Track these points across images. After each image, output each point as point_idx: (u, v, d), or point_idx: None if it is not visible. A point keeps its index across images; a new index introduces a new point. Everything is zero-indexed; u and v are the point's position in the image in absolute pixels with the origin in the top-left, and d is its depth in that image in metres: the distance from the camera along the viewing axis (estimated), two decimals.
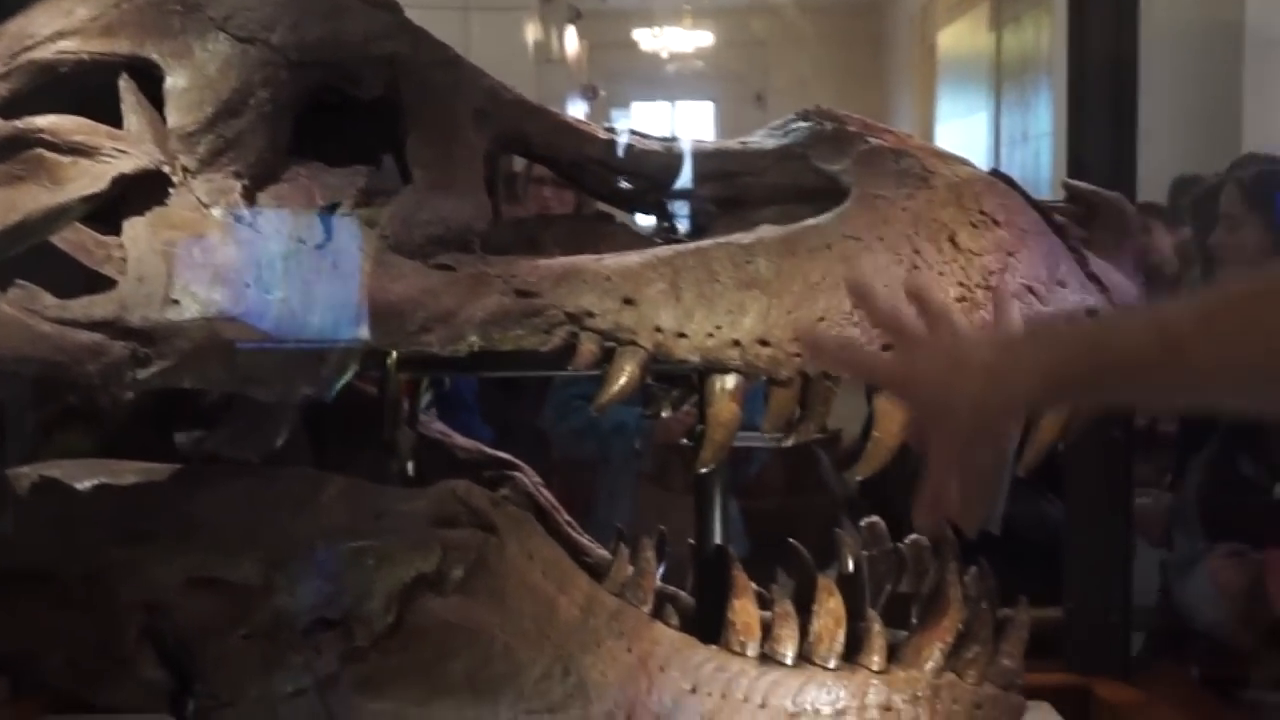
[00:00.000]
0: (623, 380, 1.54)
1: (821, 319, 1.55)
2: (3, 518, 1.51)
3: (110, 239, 1.49)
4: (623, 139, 1.76)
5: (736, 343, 1.54)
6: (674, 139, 1.78)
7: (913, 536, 1.88)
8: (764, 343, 1.54)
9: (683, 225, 1.80)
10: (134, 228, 1.44)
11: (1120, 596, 2.45)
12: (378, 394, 1.63)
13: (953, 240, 1.60)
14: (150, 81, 1.54)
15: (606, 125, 1.77)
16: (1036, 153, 8.09)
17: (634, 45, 13.87)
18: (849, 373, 1.51)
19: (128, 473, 1.58)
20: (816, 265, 1.57)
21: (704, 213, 1.77)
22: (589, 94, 12.14)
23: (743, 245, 1.59)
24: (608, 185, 1.78)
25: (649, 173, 1.76)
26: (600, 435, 3.22)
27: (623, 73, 14.27)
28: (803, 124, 1.75)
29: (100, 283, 1.46)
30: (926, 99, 11.12)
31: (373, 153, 1.71)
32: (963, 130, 9.93)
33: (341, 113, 1.69)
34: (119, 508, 1.53)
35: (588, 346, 1.55)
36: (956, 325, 1.35)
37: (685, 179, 1.75)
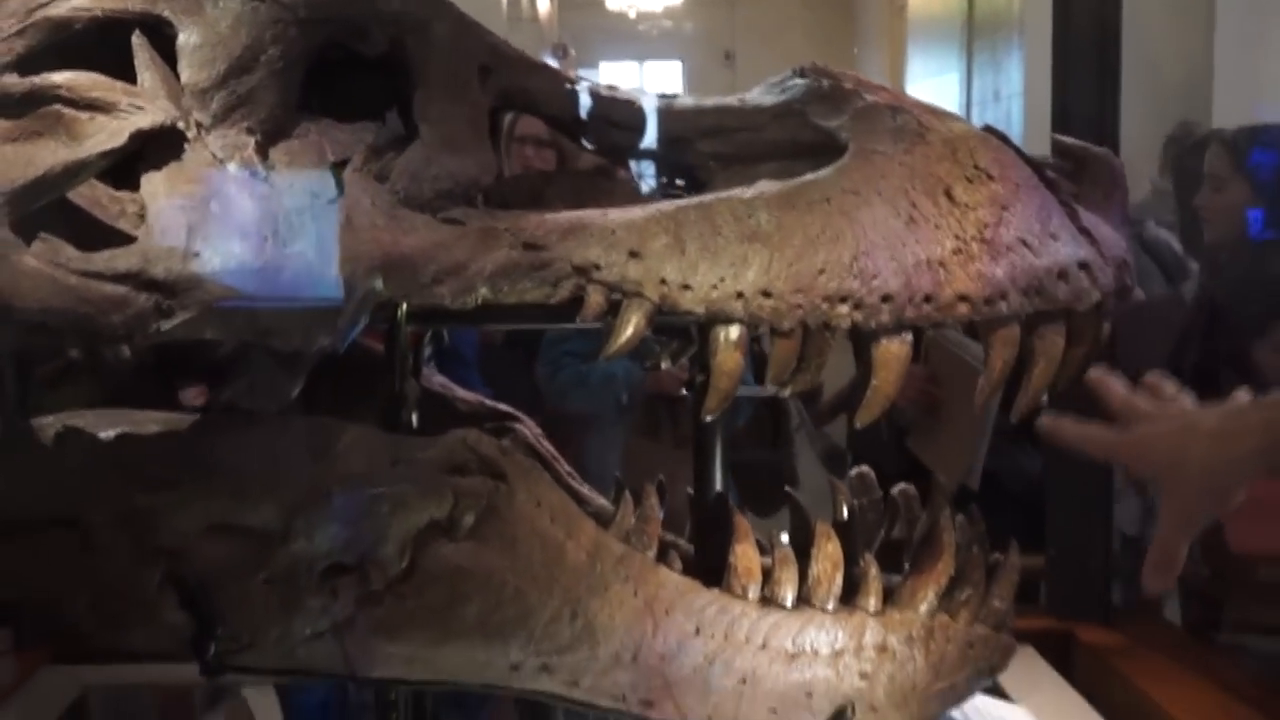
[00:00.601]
0: (629, 331, 1.58)
1: (822, 271, 1.58)
2: (21, 465, 1.54)
3: (123, 194, 1.52)
4: (624, 95, 1.79)
5: (740, 294, 1.58)
6: (674, 95, 1.81)
7: (901, 485, 1.93)
8: (766, 294, 1.58)
9: (683, 181, 1.84)
10: (152, 182, 1.46)
11: (1101, 544, 2.52)
12: (386, 346, 1.66)
13: (948, 194, 1.63)
14: (162, 39, 1.56)
15: (609, 85, 1.80)
16: (1008, 112, 8.13)
17: (601, 5, 13.84)
18: (1089, 449, 1.59)
19: (150, 422, 1.61)
20: (816, 219, 1.60)
21: (704, 168, 1.80)
22: (560, 53, 12.11)
23: (744, 200, 1.62)
24: (609, 141, 1.81)
25: (649, 129, 1.79)
26: (589, 389, 3.26)
27: (591, 32, 14.25)
28: (799, 81, 1.78)
29: (114, 238, 1.48)
30: (897, 58, 11.13)
31: (377, 110, 1.74)
32: (934, 90, 9.96)
33: (344, 70, 1.72)
34: (142, 456, 1.56)
35: (595, 299, 1.58)
36: (1184, 399, 1.50)
37: (686, 135, 1.78)
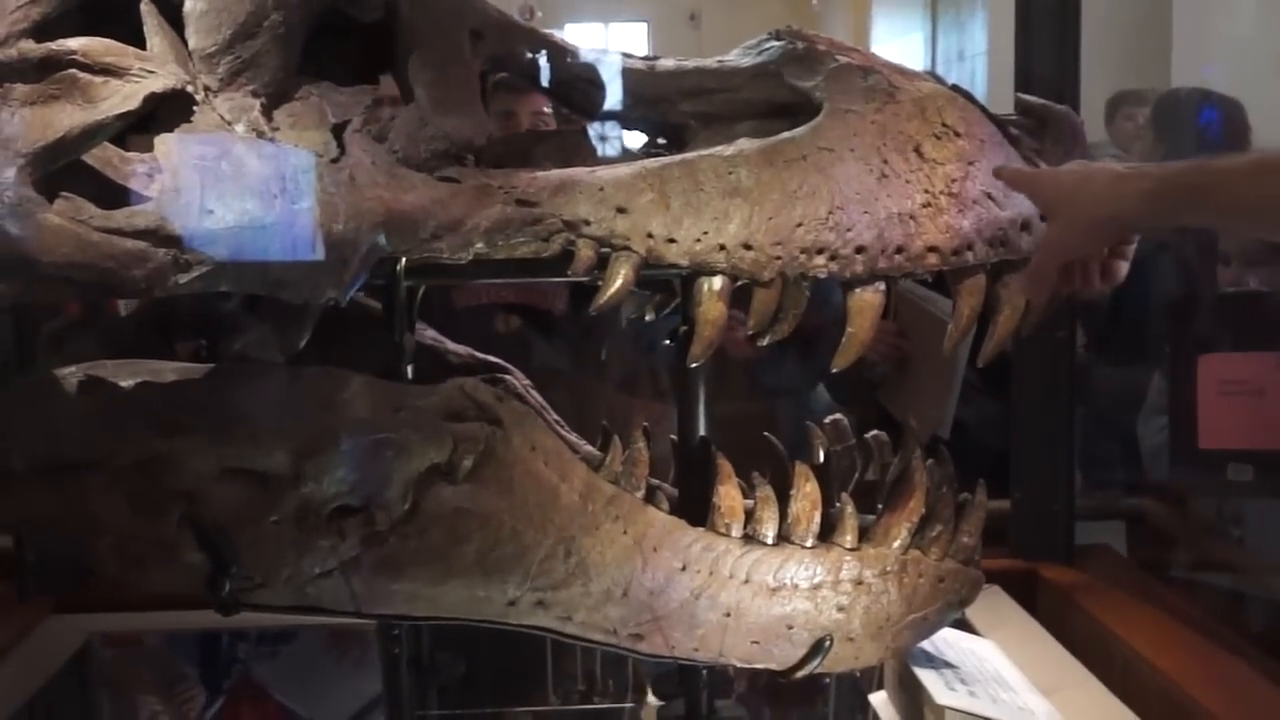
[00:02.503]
0: (618, 283, 1.66)
1: (799, 225, 1.67)
2: (47, 412, 1.61)
3: (132, 155, 1.58)
4: (608, 59, 1.86)
5: (722, 247, 1.66)
6: (656, 58, 1.88)
7: (874, 431, 2.02)
8: (747, 247, 1.66)
9: (665, 140, 1.91)
10: (165, 143, 1.52)
11: (1063, 487, 2.62)
12: (385, 300, 1.73)
13: (918, 150, 1.72)
14: (169, 7, 1.62)
15: (594, 48, 1.87)
16: (972, 72, 8.19)
17: None
18: (1015, 179, 1.73)
19: (167, 371, 1.68)
20: (794, 175, 1.69)
21: (686, 127, 1.87)
22: (525, 15, 12.08)
23: (725, 157, 1.70)
24: (594, 102, 1.88)
25: (633, 90, 1.87)
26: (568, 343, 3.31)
27: None
28: (775, 43, 1.85)
29: (127, 197, 1.54)
30: (862, 19, 11.16)
31: (371, 73, 1.81)
32: (899, 50, 10.00)
33: (339, 36, 1.78)
34: (160, 403, 1.63)
35: (585, 252, 1.66)
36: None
37: (668, 95, 1.85)
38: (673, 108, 1.87)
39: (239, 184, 1.51)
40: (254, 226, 1.50)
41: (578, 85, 1.87)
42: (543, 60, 1.85)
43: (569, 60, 1.85)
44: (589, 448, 1.99)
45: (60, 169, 1.49)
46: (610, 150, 1.92)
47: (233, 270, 1.52)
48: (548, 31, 1.87)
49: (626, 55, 1.87)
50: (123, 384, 1.64)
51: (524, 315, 3.28)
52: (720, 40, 1.92)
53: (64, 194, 1.47)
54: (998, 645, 2.16)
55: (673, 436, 1.94)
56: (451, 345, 2.11)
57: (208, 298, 1.74)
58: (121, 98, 1.52)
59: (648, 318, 1.94)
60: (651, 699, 2.22)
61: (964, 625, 2.21)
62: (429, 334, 2.10)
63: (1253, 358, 2.61)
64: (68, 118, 1.50)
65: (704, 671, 1.91)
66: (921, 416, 2.64)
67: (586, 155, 1.82)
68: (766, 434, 1.98)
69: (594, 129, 1.93)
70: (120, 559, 1.64)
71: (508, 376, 2.06)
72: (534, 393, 2.07)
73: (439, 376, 1.79)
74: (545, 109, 3.21)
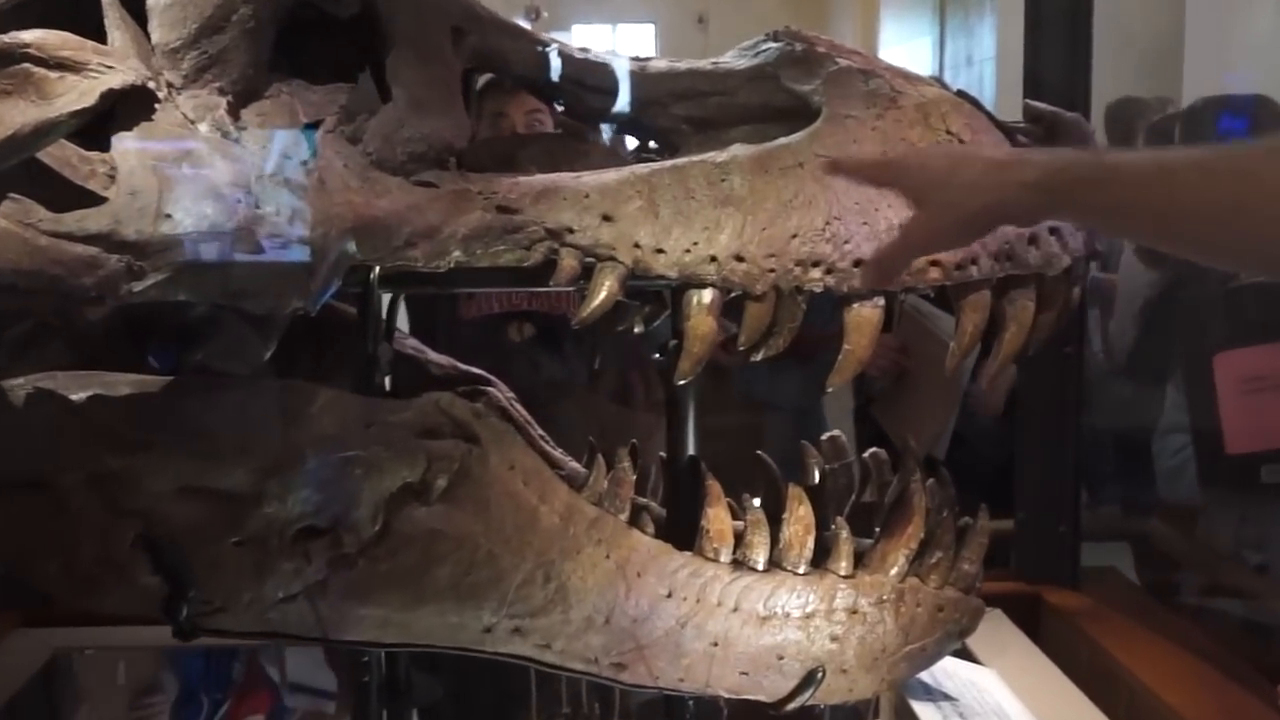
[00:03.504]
0: (602, 295, 1.58)
1: (794, 236, 1.59)
2: None
3: (93, 154, 1.50)
4: (597, 58, 1.78)
5: (713, 258, 1.58)
6: (648, 59, 1.80)
7: (873, 450, 1.94)
8: (739, 258, 1.58)
9: (656, 145, 1.83)
10: (123, 142, 1.45)
11: (1069, 508, 2.54)
12: (360, 309, 1.65)
13: None
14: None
15: (582, 47, 1.79)
16: (980, 77, 8.13)
17: None
18: (872, 172, 1.58)
19: (121, 384, 1.60)
20: (789, 183, 1.61)
21: (677, 132, 1.80)
22: (531, 15, 12.03)
23: (717, 163, 1.62)
24: (582, 103, 1.81)
25: (622, 92, 1.78)
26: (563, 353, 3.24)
27: None
28: (773, 45, 1.78)
29: (85, 199, 1.47)
30: (870, 22, 11.11)
31: (349, 72, 1.73)
32: (907, 54, 9.95)
33: (318, 32, 1.70)
34: (113, 417, 1.55)
35: (568, 262, 1.58)
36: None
37: (659, 98, 1.77)
38: (664, 111, 1.79)
39: (199, 186, 1.44)
40: (214, 232, 1.42)
41: (565, 86, 1.78)
42: (529, 59, 1.77)
43: (556, 60, 1.77)
44: (575, 465, 1.91)
45: (11, 169, 1.41)
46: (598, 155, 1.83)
47: (190, 278, 1.44)
48: (533, 29, 1.79)
49: (616, 56, 1.79)
50: (74, 397, 1.56)
51: (538, 324, 3.21)
52: (728, 42, 1.84)
53: (11, 195, 1.39)
54: (999, 674, 2.08)
55: (662, 454, 1.86)
56: (433, 355, 2.03)
57: (180, 304, 1.67)
58: (78, 94, 1.44)
59: (636, 330, 1.86)
60: None
61: (964, 652, 2.13)
62: (410, 343, 2.02)
63: (1273, 350, 2.50)
64: (20, 114, 1.41)
65: (690, 702, 1.83)
66: (918, 435, 2.57)
67: (576, 159, 1.75)
68: (759, 453, 1.90)
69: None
70: (71, 581, 1.56)
71: (490, 389, 1.98)
72: (518, 406, 1.99)
73: (420, 388, 1.71)
74: (541, 108, 3.14)
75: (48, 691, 2.39)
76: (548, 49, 1.76)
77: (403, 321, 3.14)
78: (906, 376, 3.03)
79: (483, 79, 3.18)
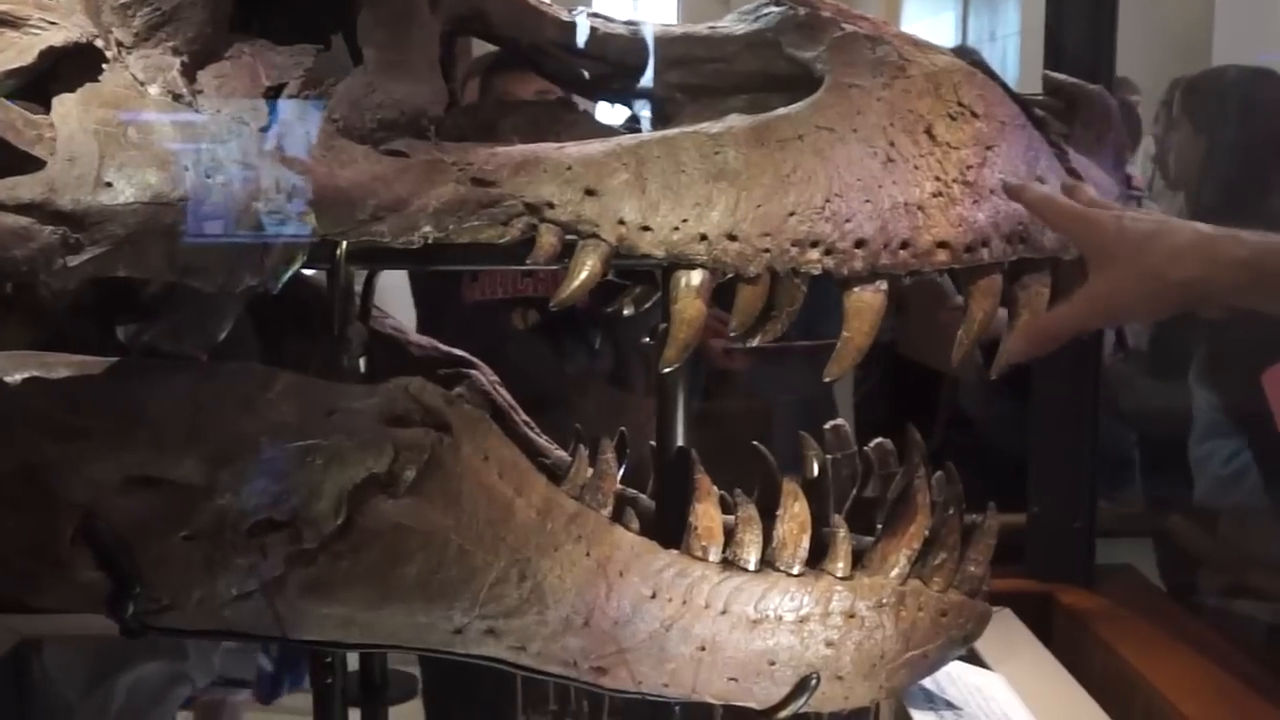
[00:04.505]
0: (583, 275, 1.48)
1: (792, 213, 1.49)
2: None
3: (41, 118, 1.40)
4: (585, 21, 1.68)
5: (703, 237, 1.48)
6: (638, 23, 1.70)
7: (877, 440, 1.85)
8: (732, 237, 1.48)
9: (647, 114, 1.74)
10: (64, 105, 1.35)
11: (1084, 504, 2.46)
12: (328, 287, 1.56)
13: (929, 132, 1.54)
14: None
15: (572, 9, 1.70)
16: (1004, 52, 8.02)
17: None
18: (1042, 208, 1.50)
19: (61, 366, 1.50)
20: (788, 157, 1.50)
21: (670, 100, 1.70)
22: None
23: (711, 135, 1.52)
24: (569, 70, 1.71)
25: (612, 57, 1.69)
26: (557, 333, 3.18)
27: None
28: (774, 9, 1.67)
29: (30, 165, 1.37)
30: None
31: (322, 32, 1.63)
32: (930, 29, 9.85)
33: None
34: (53, 402, 1.45)
35: (547, 239, 1.48)
36: None
37: (650, 65, 1.68)
38: (657, 78, 1.69)
39: (145, 154, 1.34)
40: (158, 203, 1.32)
41: (550, 50, 1.68)
42: (512, 21, 1.67)
43: (541, 22, 1.67)
44: (561, 453, 1.83)
45: None
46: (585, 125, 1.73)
47: (131, 253, 1.34)
48: None
49: (607, 19, 1.69)
50: (8, 379, 1.47)
51: (543, 310, 3.13)
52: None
53: None
54: (1006, 680, 1.99)
55: (652, 442, 1.77)
56: (414, 336, 1.94)
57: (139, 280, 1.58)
58: (16, 51, 1.35)
59: (625, 313, 1.76)
60: None
61: (971, 655, 2.04)
62: (390, 324, 1.93)
63: None
64: None
65: (676, 707, 1.74)
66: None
67: (564, 129, 1.65)
68: (756, 444, 1.80)
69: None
70: (6, 576, 1.46)
71: (473, 372, 1.89)
72: (502, 391, 1.90)
73: (400, 370, 1.62)
74: (551, 89, 3.05)
75: (16, 680, 2.32)
76: (531, 10, 1.66)
77: (407, 305, 3.08)
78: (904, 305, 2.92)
79: (491, 57, 3.11)
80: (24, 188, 1.30)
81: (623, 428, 1.78)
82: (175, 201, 1.34)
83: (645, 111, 1.75)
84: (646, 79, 1.68)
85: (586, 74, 1.72)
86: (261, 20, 1.59)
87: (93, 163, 1.32)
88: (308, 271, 1.55)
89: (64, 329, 1.71)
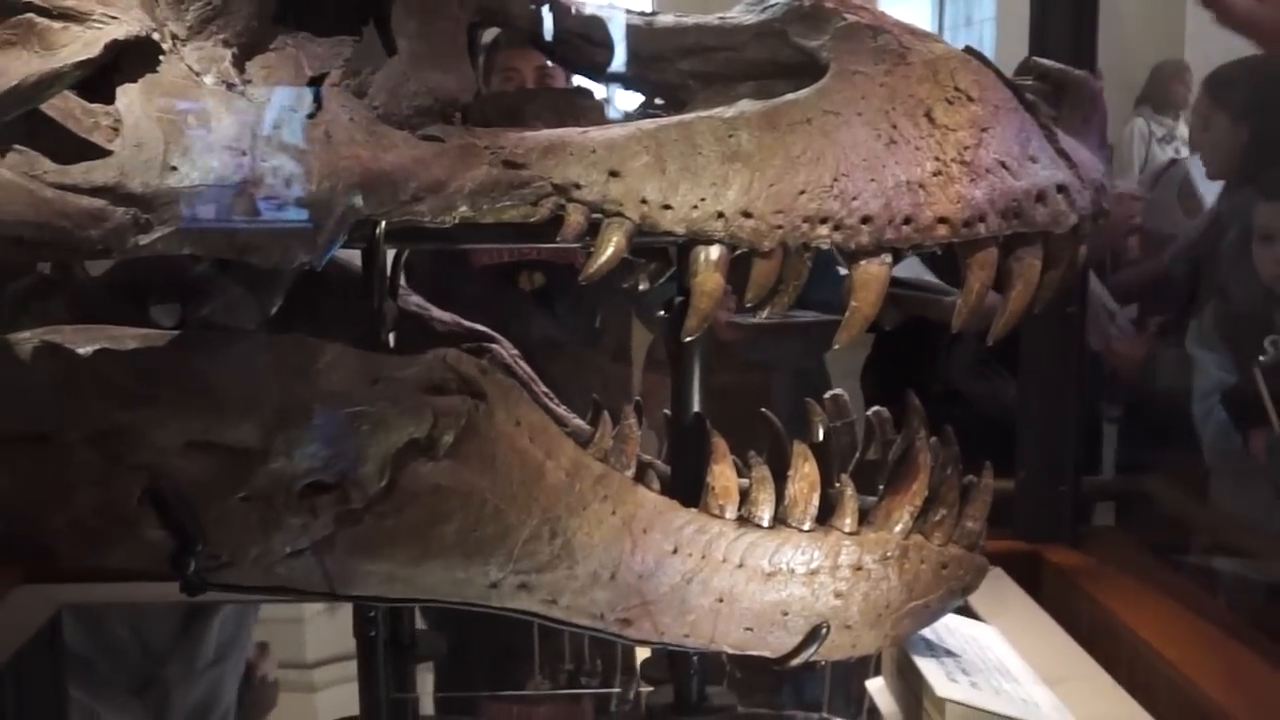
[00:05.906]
0: (610, 251, 1.57)
1: (802, 192, 1.58)
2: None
3: (96, 106, 1.48)
4: (603, 13, 1.77)
5: (720, 214, 1.57)
6: (653, 14, 1.79)
7: (876, 408, 1.94)
8: (747, 214, 1.57)
9: (663, 100, 1.82)
10: (128, 94, 1.43)
11: (1069, 467, 2.55)
12: (365, 265, 1.64)
13: (929, 115, 1.63)
14: None
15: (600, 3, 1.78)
16: (980, 37, 8.09)
17: None
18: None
19: (128, 338, 1.59)
20: (797, 139, 1.59)
21: (684, 87, 1.78)
22: None
23: (725, 119, 1.61)
24: (587, 59, 1.79)
25: (630, 47, 1.77)
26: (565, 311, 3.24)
27: None
28: (780, 0, 1.76)
29: (90, 151, 1.45)
30: None
31: (354, 24, 1.71)
32: (904, 14, 9.86)
33: None
34: (119, 372, 1.54)
35: (575, 218, 1.57)
36: None
37: (666, 53, 1.76)
38: (671, 66, 1.77)
39: (205, 140, 1.42)
40: (220, 186, 1.41)
41: (572, 40, 1.77)
42: (534, 12, 1.75)
43: (562, 13, 1.75)
44: (579, 422, 1.91)
45: (15, 121, 1.40)
46: (612, 112, 1.82)
47: (196, 232, 1.43)
48: None
49: (623, 10, 1.78)
50: (80, 351, 1.55)
51: (548, 272, 3.18)
52: None
53: (16, 147, 1.37)
54: (1000, 632, 2.08)
55: (666, 411, 1.86)
56: (437, 313, 2.03)
57: (183, 259, 1.66)
58: (82, 45, 1.42)
59: (641, 287, 1.85)
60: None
61: (965, 610, 2.14)
62: (414, 300, 2.02)
63: None
64: (23, 65, 1.40)
65: (694, 657, 1.83)
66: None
67: (581, 115, 1.73)
68: (764, 410, 1.90)
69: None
70: (78, 536, 1.55)
71: (495, 346, 1.98)
72: (522, 363, 1.99)
73: (424, 345, 1.70)
74: (551, 65, 3.11)
75: (52, 648, 2.39)
76: (555, 3, 1.75)
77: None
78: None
79: (491, 33, 3.17)
80: (98, 172, 1.38)
81: (638, 398, 1.86)
82: (235, 184, 1.42)
83: (659, 99, 1.83)
84: (662, 67, 1.76)
85: (603, 62, 1.80)
86: (298, 13, 1.66)
87: (158, 148, 1.41)
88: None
89: (99, 309, 1.80)
